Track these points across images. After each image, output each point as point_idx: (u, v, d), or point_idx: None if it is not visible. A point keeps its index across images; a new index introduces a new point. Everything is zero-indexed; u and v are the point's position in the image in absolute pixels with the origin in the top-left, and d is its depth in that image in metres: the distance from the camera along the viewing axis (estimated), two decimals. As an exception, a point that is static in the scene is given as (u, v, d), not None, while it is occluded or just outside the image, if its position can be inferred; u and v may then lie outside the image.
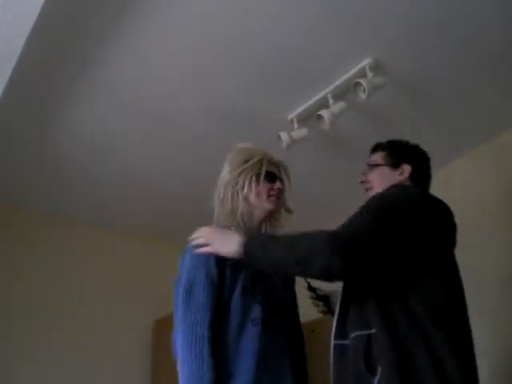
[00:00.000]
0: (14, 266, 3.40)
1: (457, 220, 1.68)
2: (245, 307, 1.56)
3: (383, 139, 2.95)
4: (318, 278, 1.51)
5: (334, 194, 3.52)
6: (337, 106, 2.61)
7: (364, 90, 2.45)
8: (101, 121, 2.80)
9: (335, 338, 1.60)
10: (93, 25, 2.19)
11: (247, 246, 1.49)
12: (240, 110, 2.76)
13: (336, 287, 1.67)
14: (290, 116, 2.80)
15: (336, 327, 1.61)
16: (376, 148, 1.94)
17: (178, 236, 3.91)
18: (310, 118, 2.76)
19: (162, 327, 3.66)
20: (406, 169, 1.83)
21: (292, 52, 2.41)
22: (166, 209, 3.65)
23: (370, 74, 2.45)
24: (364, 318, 1.52)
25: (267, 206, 1.72)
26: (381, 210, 1.55)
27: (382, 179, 1.82)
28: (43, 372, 3.26)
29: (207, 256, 1.56)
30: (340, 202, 3.65)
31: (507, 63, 2.52)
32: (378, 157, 1.90)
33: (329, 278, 1.48)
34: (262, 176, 1.72)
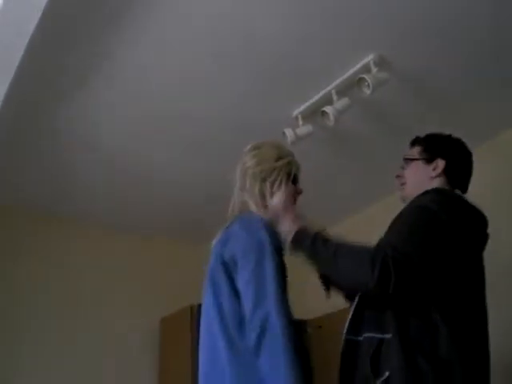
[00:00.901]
0: (16, 264, 3.38)
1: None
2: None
3: (387, 135, 2.99)
4: (351, 291, 1.59)
5: (339, 190, 3.53)
6: (341, 102, 2.60)
7: (368, 85, 2.45)
8: (104, 119, 2.79)
9: (348, 333, 1.62)
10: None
11: (298, 237, 1.60)
12: (245, 106, 2.76)
13: None
14: (295, 112, 2.80)
15: (350, 323, 1.63)
16: (414, 142, 1.94)
17: (182, 233, 3.95)
18: (314, 114, 2.76)
19: (169, 325, 3.67)
20: (440, 164, 1.81)
21: (297, 47, 2.40)
22: (169, 206, 3.65)
23: (374, 70, 2.45)
24: (380, 321, 1.53)
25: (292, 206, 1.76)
26: (416, 227, 1.58)
27: (416, 174, 1.83)
28: (48, 370, 3.25)
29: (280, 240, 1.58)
30: (345, 197, 3.67)
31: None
32: (415, 151, 1.89)
33: (363, 294, 1.56)
34: (292, 177, 1.76)
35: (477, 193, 3.00)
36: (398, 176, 1.91)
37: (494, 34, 2.36)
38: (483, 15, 2.26)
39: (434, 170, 1.81)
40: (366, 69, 2.48)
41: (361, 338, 1.56)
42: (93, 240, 3.78)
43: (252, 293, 1.44)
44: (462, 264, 1.58)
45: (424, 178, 1.80)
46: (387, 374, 1.44)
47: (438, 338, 1.46)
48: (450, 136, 1.90)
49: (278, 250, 1.53)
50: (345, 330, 1.63)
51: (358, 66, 2.50)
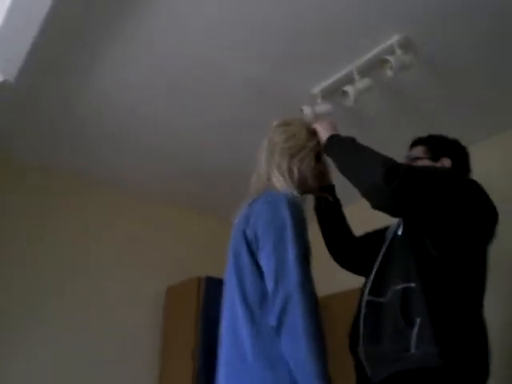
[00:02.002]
0: (25, 225, 3.39)
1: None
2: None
3: (407, 119, 2.95)
4: (366, 194, 1.62)
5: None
6: (362, 83, 2.56)
7: (391, 67, 2.41)
8: (136, 86, 2.77)
9: (369, 294, 1.69)
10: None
11: (333, 137, 1.75)
12: (263, 81, 2.73)
13: None
14: (314, 90, 2.76)
15: (372, 284, 1.70)
16: (416, 142, 2.00)
17: (193, 201, 3.96)
18: (334, 93, 2.72)
19: (175, 294, 3.70)
20: (446, 162, 1.88)
21: (320, 23, 2.36)
22: (185, 178, 3.65)
23: (398, 52, 2.40)
24: (403, 273, 1.62)
25: (316, 184, 1.81)
26: (438, 171, 1.71)
27: None
28: (53, 336, 3.27)
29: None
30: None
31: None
32: (419, 151, 1.95)
33: (374, 198, 1.61)
34: (319, 157, 1.81)
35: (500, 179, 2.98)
36: None
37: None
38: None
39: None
40: (390, 50, 2.43)
41: (382, 300, 1.63)
42: (106, 204, 3.78)
43: (273, 270, 1.44)
44: (466, 237, 1.65)
45: None
46: (418, 321, 1.51)
47: (454, 299, 1.56)
48: (448, 137, 1.98)
49: (301, 226, 1.52)
50: (366, 292, 1.71)
51: (383, 46, 2.45)
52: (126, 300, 3.62)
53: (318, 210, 1.98)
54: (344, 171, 1.71)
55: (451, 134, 2.01)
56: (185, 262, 3.85)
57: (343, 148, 1.73)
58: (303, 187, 1.72)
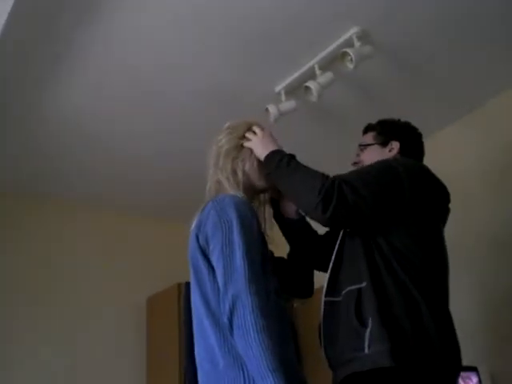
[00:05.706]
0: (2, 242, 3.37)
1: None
2: (270, 275, 1.54)
3: (372, 110, 2.97)
4: (305, 213, 1.67)
5: (324, 167, 3.51)
6: (324, 77, 2.58)
7: (351, 60, 2.43)
8: (88, 98, 2.74)
9: (327, 295, 1.68)
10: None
11: (269, 159, 1.68)
12: (227, 84, 2.73)
13: None
14: (278, 88, 2.77)
15: (328, 284, 1.70)
16: (367, 129, 2.02)
17: (168, 212, 3.93)
18: (297, 89, 2.73)
19: (156, 304, 3.68)
20: (395, 145, 1.90)
21: (278, 22, 2.37)
22: (154, 185, 3.62)
23: (357, 44, 2.42)
24: (355, 273, 1.61)
25: (265, 183, 1.76)
26: (374, 171, 1.68)
27: (372, 157, 1.87)
28: (32, 353, 3.24)
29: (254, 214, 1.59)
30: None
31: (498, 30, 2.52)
32: (369, 137, 1.97)
33: (313, 217, 1.62)
34: None
35: (465, 161, 3.04)
36: (354, 163, 1.97)
37: (477, 6, 2.34)
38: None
39: (389, 151, 1.90)
40: (349, 43, 2.45)
41: (339, 298, 1.63)
42: (80, 219, 3.75)
43: (221, 272, 1.45)
44: (415, 223, 1.66)
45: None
46: (370, 321, 1.51)
47: (406, 294, 1.55)
48: (399, 120, 2.00)
49: (250, 224, 1.53)
50: (323, 293, 1.70)
51: (341, 40, 2.47)
52: (107, 315, 3.59)
53: (276, 217, 1.91)
54: (284, 193, 1.75)
55: (416, 121, 2.02)
56: (161, 271, 3.81)
57: (279, 171, 1.67)
58: (250, 188, 1.73)
